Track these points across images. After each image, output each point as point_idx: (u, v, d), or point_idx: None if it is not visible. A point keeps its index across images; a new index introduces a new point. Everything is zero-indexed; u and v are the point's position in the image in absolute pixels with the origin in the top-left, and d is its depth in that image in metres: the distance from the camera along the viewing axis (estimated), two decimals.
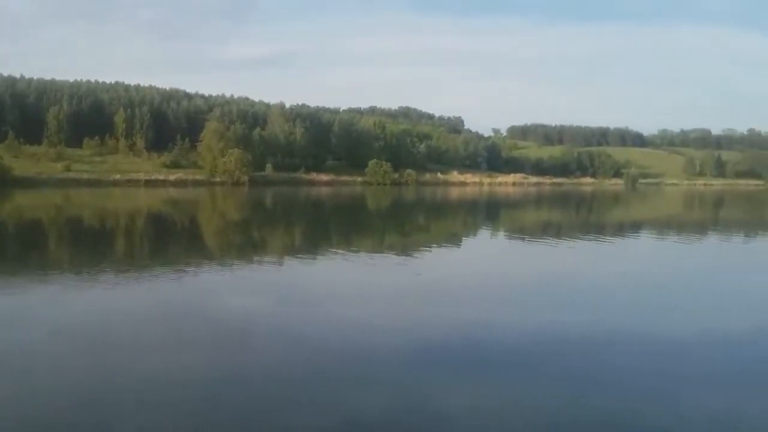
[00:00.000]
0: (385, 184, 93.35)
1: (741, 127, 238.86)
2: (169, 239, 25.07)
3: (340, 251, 20.91)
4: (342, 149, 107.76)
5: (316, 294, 13.40)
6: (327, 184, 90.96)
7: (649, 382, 7.88)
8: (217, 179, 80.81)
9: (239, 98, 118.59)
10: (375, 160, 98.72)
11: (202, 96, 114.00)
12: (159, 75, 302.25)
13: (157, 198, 53.21)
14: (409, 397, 7.25)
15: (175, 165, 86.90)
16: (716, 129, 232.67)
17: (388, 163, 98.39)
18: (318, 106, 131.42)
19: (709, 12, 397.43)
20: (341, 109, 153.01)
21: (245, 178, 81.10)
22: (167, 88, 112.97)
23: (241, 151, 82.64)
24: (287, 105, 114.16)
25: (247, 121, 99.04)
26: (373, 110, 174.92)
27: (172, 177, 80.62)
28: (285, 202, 53.98)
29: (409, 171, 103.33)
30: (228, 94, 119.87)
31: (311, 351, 8.96)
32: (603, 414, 6.79)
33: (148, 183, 75.94)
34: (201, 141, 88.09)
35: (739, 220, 43.73)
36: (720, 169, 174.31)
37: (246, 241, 25.08)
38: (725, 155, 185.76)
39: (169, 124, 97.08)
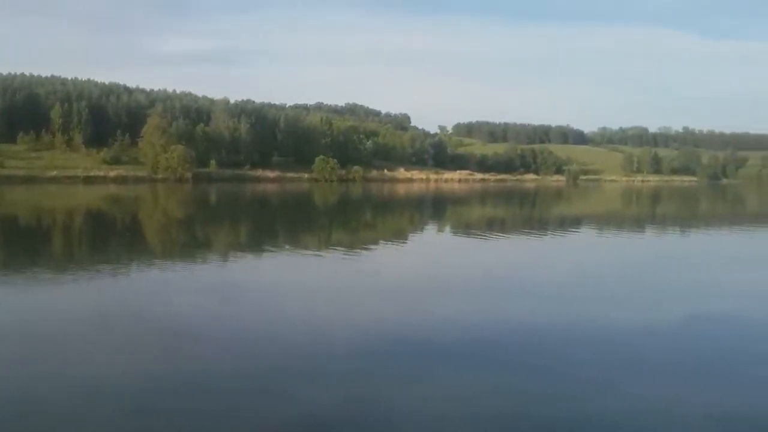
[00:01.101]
0: (332, 181, 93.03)
1: (676, 126, 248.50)
2: (110, 238, 24.33)
3: (287, 248, 20.72)
4: (288, 146, 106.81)
5: (262, 291, 13.23)
6: (273, 180, 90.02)
7: (593, 371, 8.10)
8: (159, 176, 78.95)
9: (182, 93, 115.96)
10: (322, 156, 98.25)
11: (143, 91, 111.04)
12: (97, 69, 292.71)
13: (97, 195, 51.62)
14: (360, 391, 7.22)
15: (115, 161, 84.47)
16: (653, 127, 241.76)
17: (335, 160, 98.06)
18: (263, 102, 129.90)
19: (648, 13, 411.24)
20: (287, 105, 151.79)
21: (188, 174, 79.56)
22: (106, 82, 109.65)
23: (184, 148, 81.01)
24: (232, 101, 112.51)
25: (190, 117, 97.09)
26: (319, 106, 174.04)
27: (112, 173, 78.37)
28: (230, 199, 53.18)
29: (356, 168, 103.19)
30: (170, 89, 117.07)
31: (258, 348, 8.83)
32: (548, 403, 6.92)
33: (87, 180, 73.58)
34: (142, 137, 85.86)
35: (674, 216, 45.38)
36: (656, 166, 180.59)
37: (190, 239, 24.58)
38: (661, 152, 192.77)
39: (109, 119, 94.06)
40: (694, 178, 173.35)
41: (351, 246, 22.03)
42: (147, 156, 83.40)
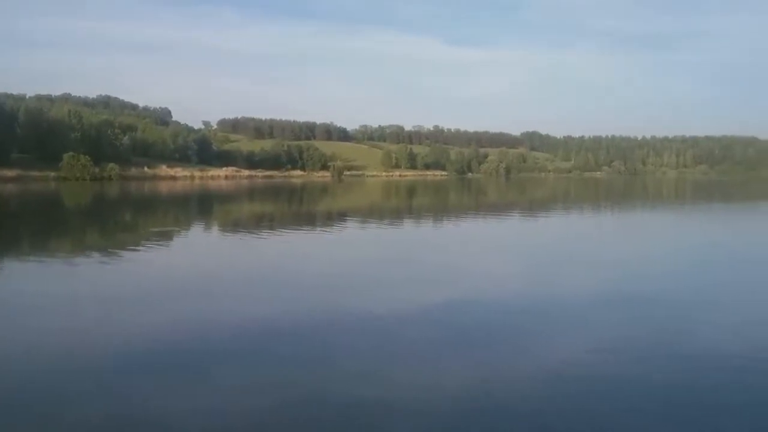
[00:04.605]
0: (84, 180, 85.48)
1: (428, 124, 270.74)
2: None
3: (32, 256, 18.61)
4: (30, 141, 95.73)
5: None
6: (12, 180, 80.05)
7: (365, 359, 8.46)
8: None
9: None
10: (71, 153, 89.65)
11: None
12: None
13: None
14: (118, 404, 6.75)
15: None
16: (408, 125, 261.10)
17: (87, 157, 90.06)
18: None
19: (400, 19, 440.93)
20: (27, 96, 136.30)
21: None
22: None
23: None
24: None
25: None
26: (66, 98, 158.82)
27: None
28: None
29: (111, 165, 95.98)
30: None
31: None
32: (316, 393, 7.11)
33: None
34: None
35: (428, 207, 49.31)
36: (412, 162, 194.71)
37: None
38: (416, 149, 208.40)
39: None
40: (445, 173, 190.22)
41: (107, 250, 20.46)
42: None
